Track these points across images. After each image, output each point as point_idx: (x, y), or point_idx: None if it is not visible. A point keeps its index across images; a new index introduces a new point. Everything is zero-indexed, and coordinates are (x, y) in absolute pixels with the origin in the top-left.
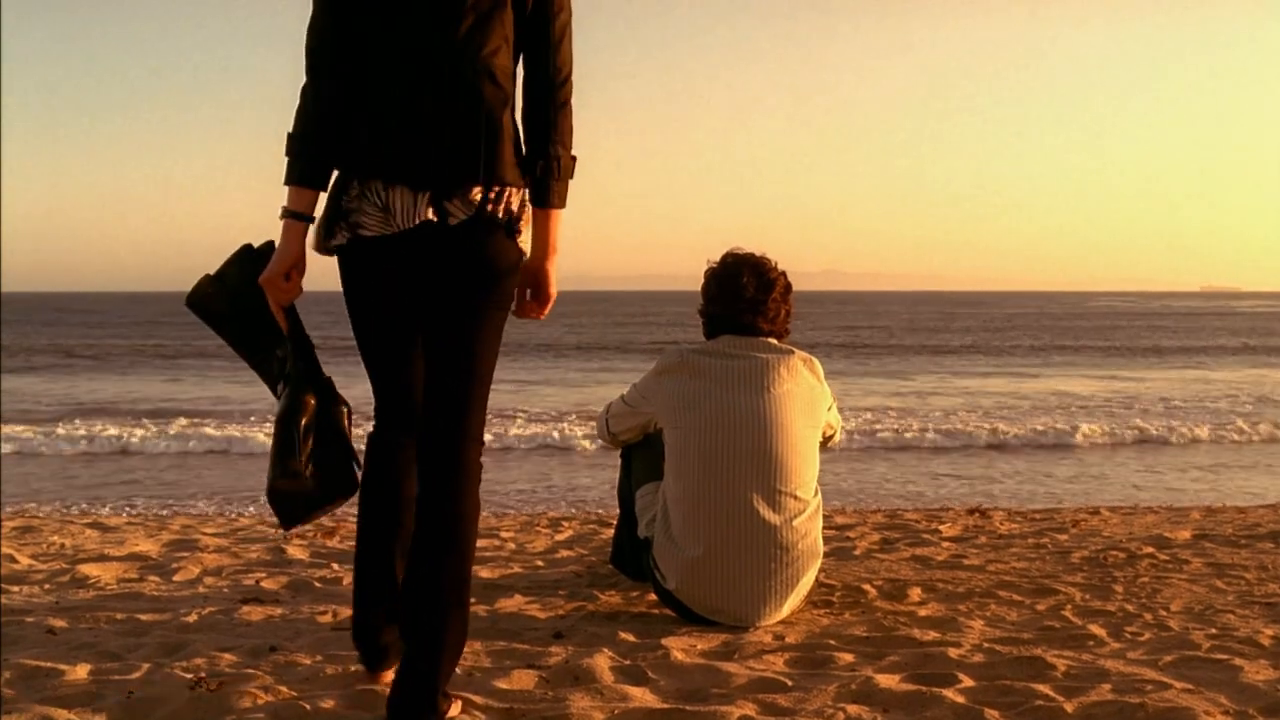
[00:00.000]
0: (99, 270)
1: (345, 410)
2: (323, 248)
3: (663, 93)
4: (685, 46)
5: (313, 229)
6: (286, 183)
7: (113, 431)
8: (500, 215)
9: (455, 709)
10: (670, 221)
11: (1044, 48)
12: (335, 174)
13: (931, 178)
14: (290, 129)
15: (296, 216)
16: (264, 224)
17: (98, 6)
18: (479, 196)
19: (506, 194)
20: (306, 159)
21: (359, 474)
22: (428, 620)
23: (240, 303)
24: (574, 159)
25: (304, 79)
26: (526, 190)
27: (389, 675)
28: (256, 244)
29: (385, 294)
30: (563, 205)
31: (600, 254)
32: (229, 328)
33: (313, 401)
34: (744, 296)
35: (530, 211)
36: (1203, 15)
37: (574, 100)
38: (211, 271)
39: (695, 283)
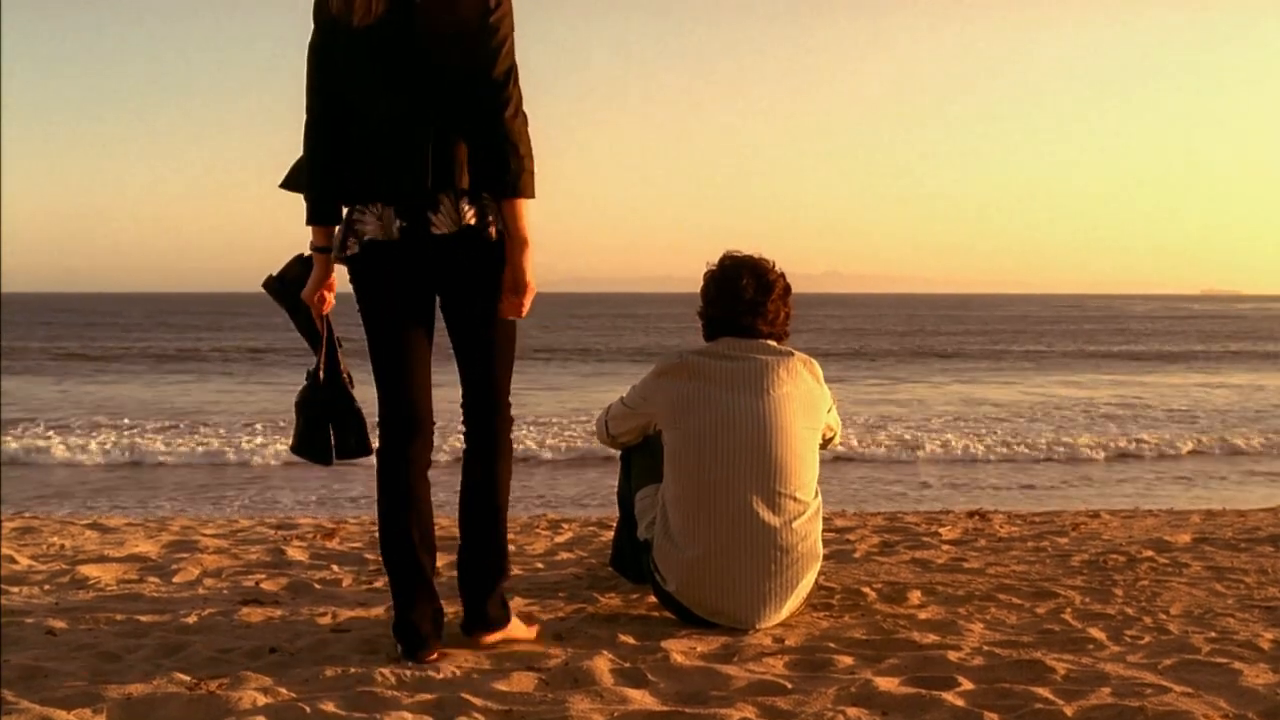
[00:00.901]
0: (92, 270)
1: (356, 406)
2: (339, 256)
3: (661, 92)
4: (682, 45)
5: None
6: (307, 224)
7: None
8: (484, 229)
9: (527, 631)
10: (668, 223)
11: (1044, 46)
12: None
13: (931, 179)
14: (296, 171)
15: (319, 250)
16: (262, 225)
17: (93, 5)
18: (470, 217)
19: (486, 208)
20: (316, 204)
21: (372, 442)
22: (480, 543)
23: (297, 299)
24: (530, 158)
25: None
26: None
27: (431, 656)
28: (305, 254)
29: (388, 293)
30: (519, 195)
31: (597, 255)
32: (292, 312)
33: (328, 395)
34: (743, 299)
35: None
36: (1203, 14)
37: (526, 106)
38: (274, 272)
39: (694, 285)
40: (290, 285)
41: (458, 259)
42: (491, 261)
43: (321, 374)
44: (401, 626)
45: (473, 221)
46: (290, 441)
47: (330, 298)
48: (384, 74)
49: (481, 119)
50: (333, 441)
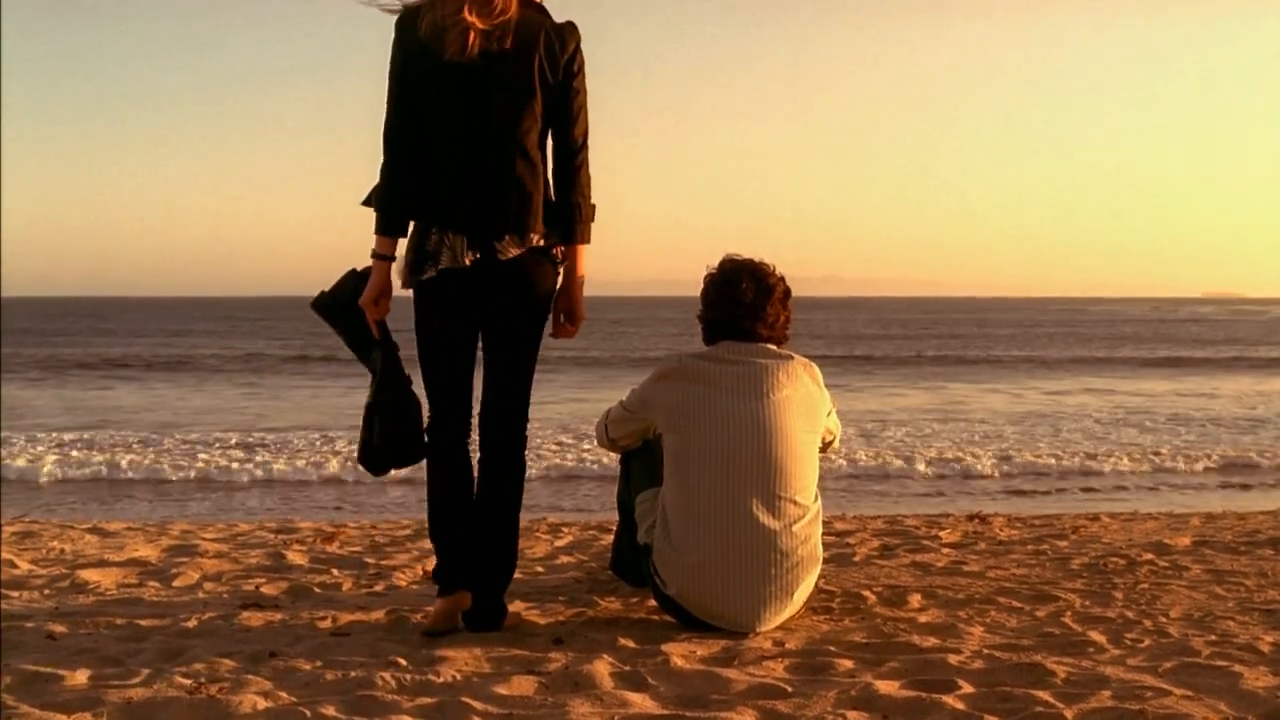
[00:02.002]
0: (85, 276)
1: (416, 400)
2: (410, 282)
3: (660, 96)
4: (682, 49)
5: (399, 269)
6: (375, 233)
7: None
8: (549, 250)
9: (514, 617)
10: (667, 227)
11: (1044, 50)
12: (413, 227)
13: (931, 182)
14: (375, 192)
15: (382, 257)
16: (259, 231)
17: (91, 10)
18: (539, 239)
19: (548, 239)
20: (387, 216)
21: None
22: (493, 544)
23: (349, 311)
24: (594, 206)
25: (382, 157)
26: (557, 236)
27: (464, 604)
28: (359, 268)
29: (457, 313)
30: (585, 241)
31: (595, 260)
32: (341, 328)
33: (390, 396)
34: (743, 302)
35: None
36: (1203, 15)
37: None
38: (327, 288)
39: (694, 288)
40: (343, 301)
41: (517, 278)
42: (546, 282)
43: (384, 377)
44: (445, 565)
45: (540, 243)
46: (358, 451)
47: (387, 304)
48: (470, 113)
49: (558, 175)
50: (391, 445)
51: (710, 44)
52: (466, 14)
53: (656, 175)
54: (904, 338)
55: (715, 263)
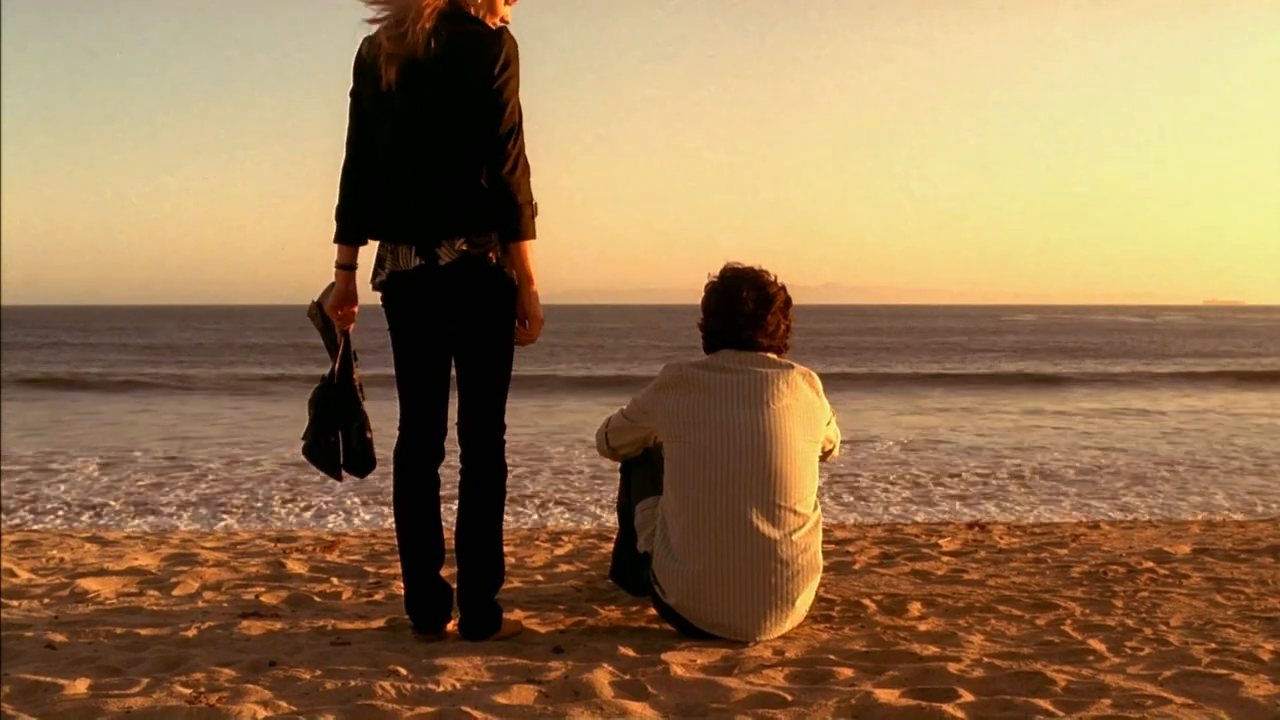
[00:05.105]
0: (80, 283)
1: (363, 409)
2: (373, 284)
3: (658, 103)
4: (680, 55)
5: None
6: (334, 241)
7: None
8: (483, 255)
9: (516, 626)
10: (668, 235)
11: (1044, 55)
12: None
13: (930, 190)
14: (336, 205)
15: (343, 266)
16: (248, 240)
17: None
18: (464, 245)
19: (486, 243)
20: (345, 226)
21: (373, 447)
22: (479, 548)
23: (326, 319)
24: (533, 204)
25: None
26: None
27: (448, 627)
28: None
29: (408, 313)
30: (521, 238)
31: (595, 268)
32: (322, 332)
33: (338, 394)
34: (743, 311)
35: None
36: (1204, 22)
37: (528, 153)
38: (315, 299)
39: (694, 296)
40: (324, 311)
41: (462, 283)
42: (494, 285)
43: (335, 377)
44: (415, 602)
45: (465, 249)
46: (303, 442)
47: (351, 311)
48: (402, 131)
49: (490, 177)
50: (340, 448)
51: (709, 50)
52: (385, 41)
53: (657, 184)
54: (901, 348)
55: (716, 271)
